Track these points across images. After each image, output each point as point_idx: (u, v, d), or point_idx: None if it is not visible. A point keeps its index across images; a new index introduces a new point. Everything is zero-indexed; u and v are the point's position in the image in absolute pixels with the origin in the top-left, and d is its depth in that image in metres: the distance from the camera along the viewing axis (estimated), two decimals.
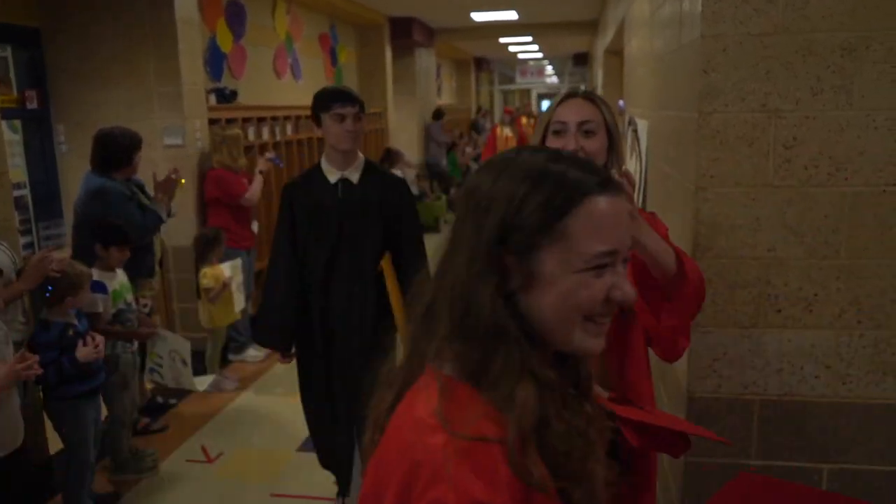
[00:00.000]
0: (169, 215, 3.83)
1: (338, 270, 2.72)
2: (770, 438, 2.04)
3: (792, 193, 1.92)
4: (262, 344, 3.07)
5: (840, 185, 1.89)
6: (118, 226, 3.32)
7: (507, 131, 9.82)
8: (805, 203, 1.91)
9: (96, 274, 3.11)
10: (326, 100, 2.64)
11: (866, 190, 1.87)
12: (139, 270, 3.65)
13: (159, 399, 4.12)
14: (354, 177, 2.72)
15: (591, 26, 10.49)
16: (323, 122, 2.65)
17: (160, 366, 3.63)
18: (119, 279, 3.32)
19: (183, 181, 3.80)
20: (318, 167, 2.77)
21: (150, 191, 3.86)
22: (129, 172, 3.68)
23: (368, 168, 2.77)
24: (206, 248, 4.25)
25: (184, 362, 3.64)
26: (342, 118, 2.61)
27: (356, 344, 2.79)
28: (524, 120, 12.45)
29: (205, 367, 4.37)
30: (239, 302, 4.41)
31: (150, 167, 4.05)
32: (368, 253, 2.73)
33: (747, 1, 1.87)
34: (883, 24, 1.81)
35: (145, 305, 3.69)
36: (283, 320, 2.79)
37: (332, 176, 2.71)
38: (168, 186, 3.78)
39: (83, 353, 2.75)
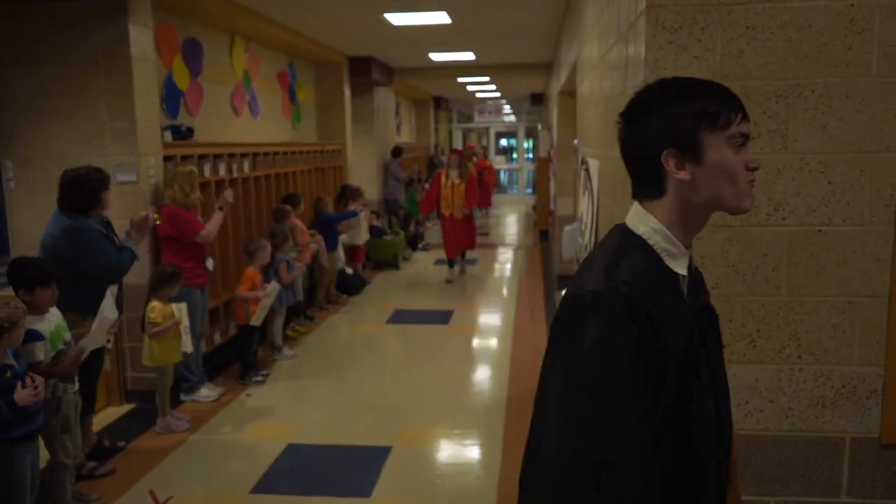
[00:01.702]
0: None
1: (722, 465, 1.34)
2: None
3: (733, 233, 1.99)
4: None
5: (778, 224, 1.97)
6: (35, 264, 3.20)
7: (454, 177, 8.27)
8: (746, 242, 1.99)
9: (28, 320, 2.96)
10: (716, 106, 1.22)
11: (802, 230, 1.96)
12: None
13: (106, 442, 3.99)
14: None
15: (546, 68, 10.77)
16: (705, 151, 1.22)
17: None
18: (54, 320, 3.19)
19: (157, 216, 3.84)
20: (637, 246, 1.26)
21: (117, 228, 3.93)
22: (101, 210, 3.79)
23: None
24: (161, 283, 4.17)
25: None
26: (746, 141, 1.24)
27: None
28: (469, 163, 12.16)
29: (156, 408, 4.26)
30: (186, 344, 4.32)
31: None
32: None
33: (687, 49, 1.95)
34: (811, 74, 1.91)
35: (108, 340, 3.62)
36: None
37: (680, 264, 1.27)
38: (142, 226, 3.89)
39: (21, 395, 2.65)
